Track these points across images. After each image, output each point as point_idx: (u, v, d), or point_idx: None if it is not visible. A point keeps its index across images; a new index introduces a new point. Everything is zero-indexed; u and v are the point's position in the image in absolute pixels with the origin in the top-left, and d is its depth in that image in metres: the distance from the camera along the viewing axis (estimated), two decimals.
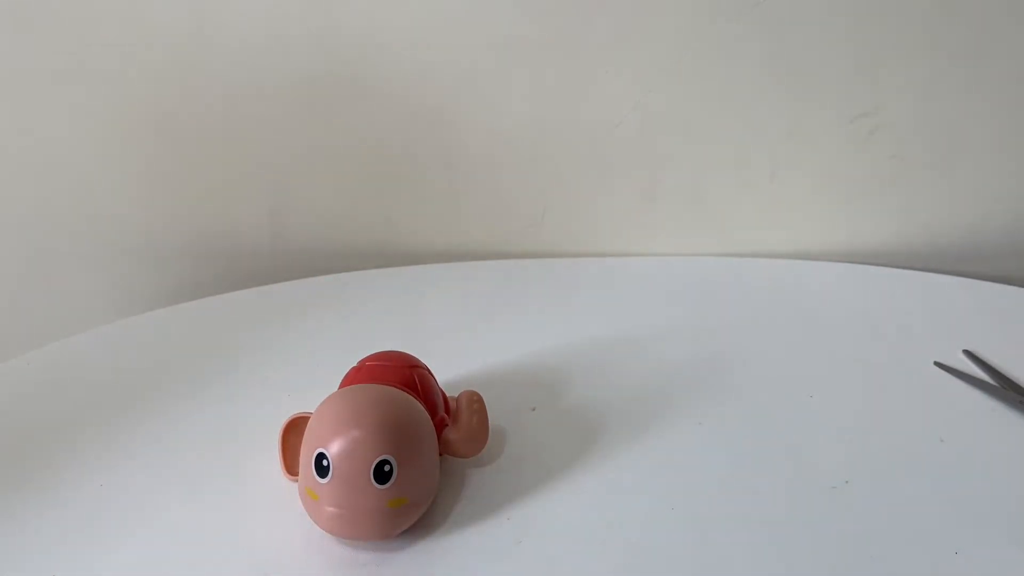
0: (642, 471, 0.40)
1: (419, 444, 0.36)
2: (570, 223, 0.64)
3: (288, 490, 0.39)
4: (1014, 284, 0.57)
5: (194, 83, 0.59)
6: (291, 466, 0.38)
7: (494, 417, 0.43)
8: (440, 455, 0.38)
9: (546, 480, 0.39)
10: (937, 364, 0.48)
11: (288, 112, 0.60)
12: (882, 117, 0.57)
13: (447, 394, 0.43)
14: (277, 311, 0.59)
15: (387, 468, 0.34)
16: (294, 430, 0.38)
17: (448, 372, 0.46)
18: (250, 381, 0.50)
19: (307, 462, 0.36)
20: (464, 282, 0.62)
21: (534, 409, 0.45)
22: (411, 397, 0.37)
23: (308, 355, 0.53)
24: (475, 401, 0.42)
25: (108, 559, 0.38)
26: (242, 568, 0.37)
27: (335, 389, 0.39)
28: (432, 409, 0.39)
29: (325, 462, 0.35)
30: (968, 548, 0.34)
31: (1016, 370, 0.47)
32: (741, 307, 0.56)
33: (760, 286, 0.59)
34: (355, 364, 0.42)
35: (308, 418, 0.37)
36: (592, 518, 0.37)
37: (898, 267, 0.60)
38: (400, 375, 0.39)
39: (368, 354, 0.42)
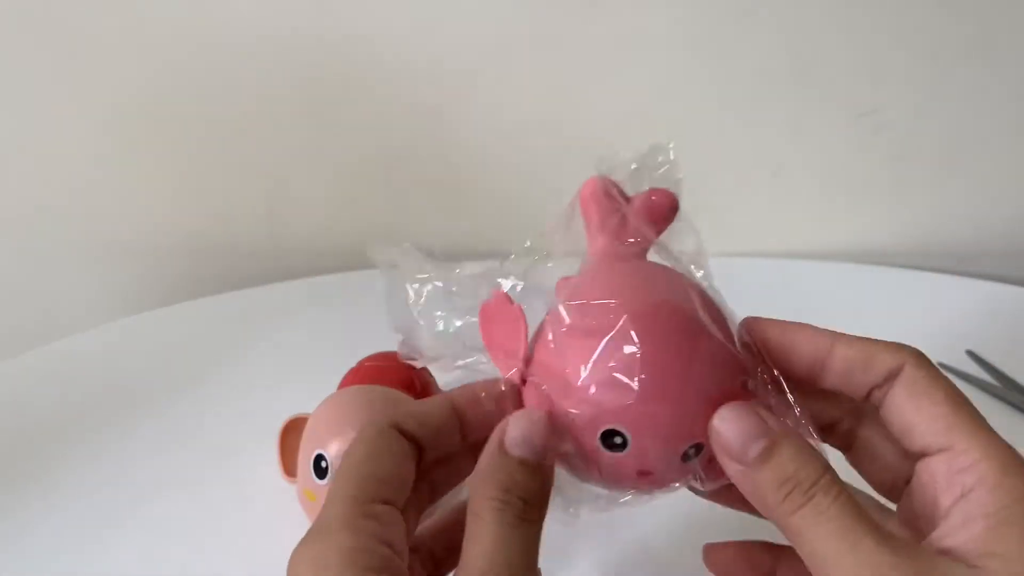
0: None
1: None
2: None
3: (286, 492, 0.39)
4: (1019, 284, 0.56)
5: (194, 83, 0.59)
6: (290, 467, 0.38)
7: None
8: None
9: None
10: (940, 365, 0.47)
11: (287, 111, 0.60)
12: (884, 116, 0.56)
13: None
14: (276, 311, 0.59)
15: None
16: (293, 431, 0.38)
17: (448, 372, 0.46)
18: (249, 381, 0.50)
19: (306, 463, 0.35)
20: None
21: None
22: (410, 398, 0.37)
23: (307, 355, 0.52)
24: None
25: (106, 559, 0.37)
26: (240, 570, 0.36)
27: (334, 390, 0.39)
28: None
29: (324, 463, 0.35)
30: None
31: (1020, 371, 0.46)
32: (741, 307, 0.55)
33: (760, 286, 0.58)
34: (354, 365, 0.41)
35: (307, 419, 0.37)
36: (592, 518, 0.37)
37: (901, 267, 0.60)
38: (399, 376, 0.39)
39: (367, 354, 0.42)
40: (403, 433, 0.24)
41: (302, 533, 0.37)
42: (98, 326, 0.58)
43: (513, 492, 0.21)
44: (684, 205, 0.28)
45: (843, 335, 0.24)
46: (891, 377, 0.23)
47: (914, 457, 0.23)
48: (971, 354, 0.48)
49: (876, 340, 0.24)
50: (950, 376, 0.47)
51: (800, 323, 0.25)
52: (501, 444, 0.23)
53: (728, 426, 0.22)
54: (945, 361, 0.48)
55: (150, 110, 0.60)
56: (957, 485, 0.21)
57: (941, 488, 0.22)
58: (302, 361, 0.52)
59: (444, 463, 0.25)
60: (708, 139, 0.59)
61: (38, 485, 0.42)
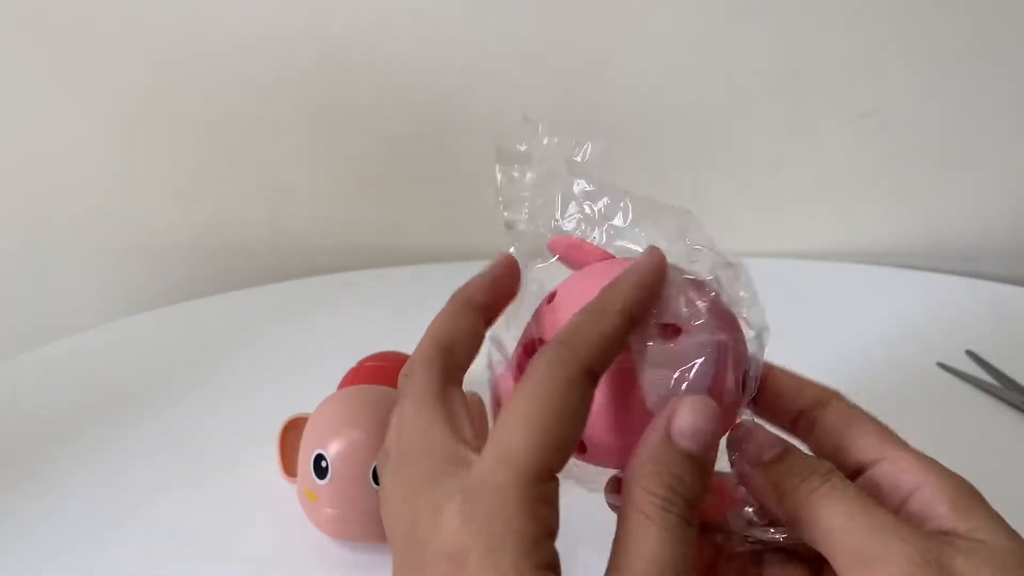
0: None
1: None
2: None
3: (286, 491, 0.39)
4: (1018, 284, 0.56)
5: (194, 82, 0.59)
6: (290, 467, 0.38)
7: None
8: None
9: None
10: (940, 365, 0.47)
11: (287, 111, 0.60)
12: (884, 116, 0.56)
13: None
14: (277, 311, 0.59)
15: None
16: (293, 431, 0.38)
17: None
18: (249, 381, 0.50)
19: (306, 463, 0.35)
20: (464, 282, 0.61)
21: None
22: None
23: (307, 355, 0.52)
24: (475, 403, 0.41)
25: (106, 559, 0.37)
26: (240, 570, 0.36)
27: (334, 390, 0.39)
28: None
29: (324, 463, 0.35)
30: None
31: (1020, 371, 0.46)
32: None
33: (760, 286, 0.58)
34: (354, 365, 0.41)
35: (307, 419, 0.37)
36: (592, 518, 0.37)
37: (901, 267, 0.60)
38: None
39: (368, 354, 0.42)
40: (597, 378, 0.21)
41: (302, 533, 0.37)
42: (98, 326, 0.58)
43: (678, 491, 0.20)
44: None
45: (774, 366, 0.26)
46: (819, 406, 0.25)
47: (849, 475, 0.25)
48: (971, 354, 0.48)
49: (804, 378, 0.26)
50: (949, 376, 0.47)
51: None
52: (668, 434, 0.21)
53: (757, 435, 0.24)
54: (945, 361, 0.48)
55: (151, 111, 0.60)
56: (902, 485, 0.23)
57: (886, 493, 0.23)
58: (302, 361, 0.52)
59: None
60: (708, 139, 0.59)
61: (38, 485, 0.42)
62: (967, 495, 0.22)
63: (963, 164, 0.58)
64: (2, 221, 0.65)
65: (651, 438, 0.21)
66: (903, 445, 0.24)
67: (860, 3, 0.53)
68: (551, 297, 0.26)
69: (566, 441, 0.20)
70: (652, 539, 0.19)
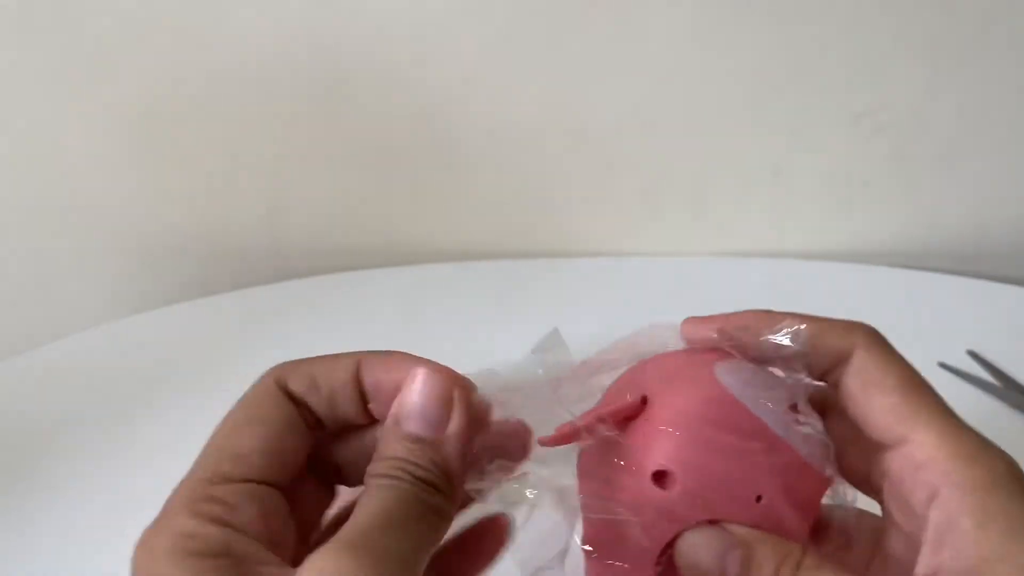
0: None
1: None
2: (570, 223, 0.64)
3: None
4: (1019, 284, 0.56)
5: (192, 82, 0.59)
6: None
7: None
8: None
9: None
10: (941, 365, 0.47)
11: (287, 111, 0.60)
12: (885, 116, 0.56)
13: None
14: (276, 311, 0.59)
15: None
16: None
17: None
18: (249, 381, 0.50)
19: None
20: (464, 282, 0.62)
21: None
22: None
23: (308, 355, 0.52)
24: None
25: (105, 559, 0.37)
26: None
27: None
28: None
29: None
30: None
31: (1022, 372, 0.46)
32: (741, 307, 0.55)
33: (760, 286, 0.58)
34: None
35: None
36: None
37: (901, 267, 0.60)
38: None
39: None
40: (291, 395, 0.22)
41: None
42: (98, 326, 0.58)
43: (408, 470, 0.19)
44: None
45: (791, 315, 0.22)
46: (841, 361, 0.21)
47: (877, 448, 0.21)
48: (972, 354, 0.48)
49: (827, 320, 0.21)
50: (950, 376, 0.47)
51: (755, 310, 0.23)
52: (396, 417, 0.20)
53: (700, 550, 0.20)
54: (946, 361, 0.48)
55: (150, 111, 0.60)
56: (923, 486, 0.19)
57: (909, 489, 0.20)
58: None
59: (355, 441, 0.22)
60: (708, 139, 0.59)
61: (38, 485, 0.42)
62: (984, 505, 0.18)
63: (963, 164, 0.58)
64: (2, 221, 0.65)
65: (384, 427, 0.20)
66: (928, 418, 0.19)
67: (860, 3, 0.53)
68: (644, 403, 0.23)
69: (236, 450, 0.21)
70: (375, 499, 0.19)
